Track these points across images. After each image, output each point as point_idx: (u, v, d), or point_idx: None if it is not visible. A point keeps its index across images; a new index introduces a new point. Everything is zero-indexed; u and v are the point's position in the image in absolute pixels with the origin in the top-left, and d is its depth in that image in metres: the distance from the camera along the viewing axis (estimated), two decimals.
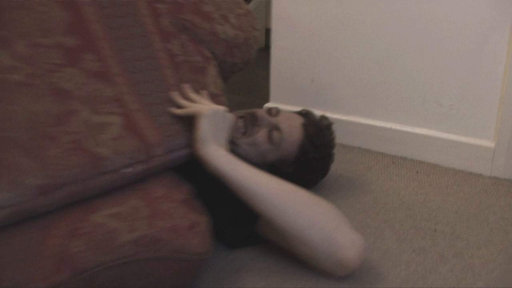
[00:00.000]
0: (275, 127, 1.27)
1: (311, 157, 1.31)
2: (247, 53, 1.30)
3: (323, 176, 1.43)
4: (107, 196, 0.90)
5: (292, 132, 1.29)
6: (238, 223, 1.08)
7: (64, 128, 0.87)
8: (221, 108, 1.05)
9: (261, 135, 1.27)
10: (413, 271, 1.06)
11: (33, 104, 0.87)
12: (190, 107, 1.03)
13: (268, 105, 1.98)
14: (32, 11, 0.96)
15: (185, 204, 0.95)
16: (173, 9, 1.17)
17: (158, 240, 0.84)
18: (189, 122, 1.03)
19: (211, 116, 1.01)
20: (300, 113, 1.39)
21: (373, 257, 1.11)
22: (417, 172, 1.59)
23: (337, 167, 1.59)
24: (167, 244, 0.85)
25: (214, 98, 1.14)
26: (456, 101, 1.60)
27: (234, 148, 1.26)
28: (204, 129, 1.00)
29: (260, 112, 1.31)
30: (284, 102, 1.92)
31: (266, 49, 2.02)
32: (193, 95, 1.08)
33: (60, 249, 0.78)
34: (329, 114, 1.77)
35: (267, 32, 2.01)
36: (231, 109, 1.21)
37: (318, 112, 1.43)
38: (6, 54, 0.89)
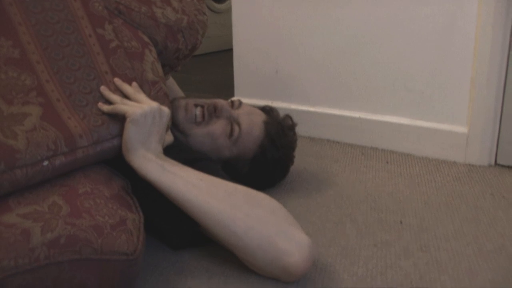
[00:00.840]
0: (236, 121, 1.18)
1: (269, 157, 1.21)
2: (192, 37, 1.20)
3: (281, 179, 1.33)
4: (24, 194, 0.80)
5: (253, 128, 1.20)
6: (181, 223, 0.98)
7: None
8: (154, 106, 0.93)
9: (218, 126, 1.17)
10: (372, 267, 0.97)
11: None
12: (119, 105, 0.93)
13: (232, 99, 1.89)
14: None
15: (113, 200, 0.86)
16: None
17: (76, 241, 0.76)
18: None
19: (139, 121, 0.91)
20: (263, 109, 1.29)
21: (330, 254, 1.01)
22: (387, 162, 1.50)
23: (302, 160, 1.49)
24: (87, 245, 0.77)
25: (153, 85, 1.05)
26: (426, 86, 1.52)
27: (185, 139, 1.16)
28: (130, 136, 0.90)
29: (221, 102, 1.21)
30: (249, 95, 1.83)
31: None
32: (126, 87, 0.98)
33: None
34: (295, 106, 1.70)
35: None
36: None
37: (284, 104, 1.34)
38: None
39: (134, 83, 1.00)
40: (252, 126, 1.20)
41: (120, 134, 0.92)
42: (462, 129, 1.47)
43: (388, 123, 1.58)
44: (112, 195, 0.86)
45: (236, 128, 1.17)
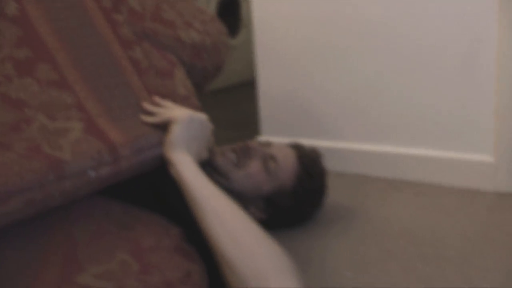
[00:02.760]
0: (270, 157, 1.23)
1: (308, 187, 1.27)
2: (216, 57, 1.28)
3: (319, 208, 1.38)
4: (92, 249, 0.84)
5: (287, 161, 1.26)
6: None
7: (19, 136, 0.82)
8: (199, 115, 1.00)
9: (255, 165, 1.22)
10: None
11: None
12: (165, 113, 0.99)
13: (259, 138, 1.93)
14: None
15: (177, 252, 0.89)
16: (131, 18, 1.14)
17: None
18: (160, 127, 0.99)
19: (186, 122, 0.97)
20: (291, 145, 1.35)
21: None
22: (418, 194, 1.53)
23: (334, 196, 1.53)
24: None
25: (185, 101, 1.11)
26: (451, 118, 1.56)
27: (226, 182, 1.20)
28: (176, 133, 0.95)
29: (253, 143, 1.27)
30: (275, 134, 1.88)
31: (253, 83, 1.98)
32: (166, 103, 1.04)
33: None
34: (322, 142, 1.75)
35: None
36: (221, 145, 1.16)
37: (311, 141, 1.39)
38: None
39: (169, 100, 1.06)
40: (286, 159, 1.26)
41: (160, 143, 0.97)
42: (489, 158, 1.51)
43: (416, 156, 1.62)
44: (175, 247, 0.89)
45: (272, 163, 1.23)
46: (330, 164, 1.55)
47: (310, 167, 1.28)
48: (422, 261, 1.15)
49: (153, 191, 1.03)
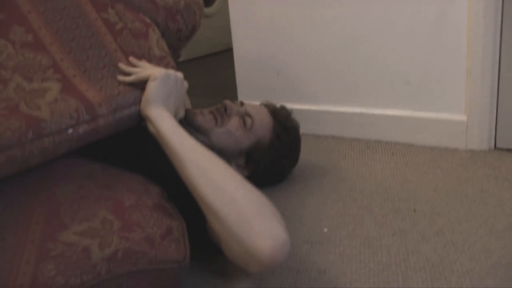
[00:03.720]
0: (246, 114, 1.28)
1: (284, 140, 1.33)
2: (190, 18, 1.30)
3: (296, 162, 1.44)
4: (74, 208, 0.85)
5: (262, 117, 1.31)
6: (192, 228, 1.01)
7: None
8: (175, 72, 1.02)
9: (233, 122, 1.26)
10: (395, 254, 1.04)
11: None
12: (141, 72, 1.01)
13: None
14: None
15: (157, 209, 0.91)
16: None
17: (132, 254, 0.81)
18: (137, 86, 1.01)
19: (162, 79, 0.99)
20: (261, 104, 1.42)
21: (354, 245, 1.08)
22: (393, 154, 1.57)
23: (311, 157, 1.57)
24: (143, 256, 0.82)
25: (160, 61, 1.13)
26: (423, 78, 1.59)
27: (207, 140, 1.22)
28: (153, 90, 0.97)
29: (229, 102, 1.31)
30: (252, 99, 1.88)
31: (231, 50, 1.98)
32: (142, 63, 1.06)
33: (32, 277, 0.73)
34: (299, 106, 1.77)
35: None
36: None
37: (287, 105, 1.42)
38: None
39: (145, 60, 1.08)
40: (261, 115, 1.32)
41: (137, 102, 0.99)
42: (461, 117, 1.55)
43: (390, 116, 1.66)
44: (155, 205, 0.91)
45: (248, 119, 1.28)
46: (306, 126, 1.59)
47: (284, 121, 1.35)
48: (396, 216, 1.19)
49: (132, 151, 1.05)
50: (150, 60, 1.10)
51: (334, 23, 1.67)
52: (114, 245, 0.80)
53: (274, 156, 1.31)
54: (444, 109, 1.58)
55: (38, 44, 0.96)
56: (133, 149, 1.05)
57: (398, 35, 1.58)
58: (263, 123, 1.31)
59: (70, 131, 0.87)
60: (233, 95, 2.01)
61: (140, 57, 1.08)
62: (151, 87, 0.98)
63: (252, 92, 1.92)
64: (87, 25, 1.05)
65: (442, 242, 1.07)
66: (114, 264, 0.79)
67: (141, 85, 1.00)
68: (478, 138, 1.53)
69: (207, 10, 3.91)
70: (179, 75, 1.04)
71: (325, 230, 1.16)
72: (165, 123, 0.95)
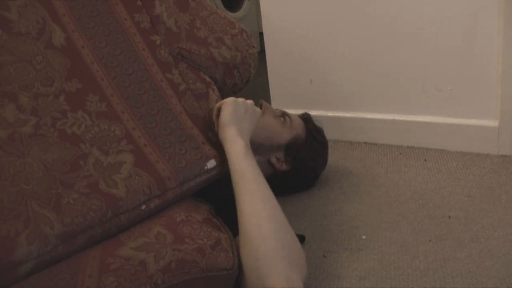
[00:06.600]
0: (283, 114, 1.39)
1: (317, 138, 1.43)
2: (246, 72, 1.35)
3: (326, 163, 1.52)
4: (131, 230, 0.93)
5: (296, 117, 1.43)
6: None
7: (77, 174, 0.90)
8: (242, 99, 1.11)
9: (269, 118, 1.35)
10: (432, 260, 1.08)
11: (44, 154, 0.90)
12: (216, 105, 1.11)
13: None
14: (30, 63, 0.99)
15: (206, 223, 0.97)
16: (168, 39, 1.20)
17: (185, 264, 0.87)
18: (196, 143, 1.06)
19: (231, 105, 1.08)
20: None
21: (391, 251, 1.13)
22: (425, 160, 1.61)
23: (345, 163, 1.61)
24: (195, 266, 0.88)
25: None
26: (455, 84, 1.62)
27: None
28: (225, 115, 1.06)
29: (264, 101, 1.40)
30: (285, 105, 1.94)
31: (261, 52, 2.04)
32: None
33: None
34: (331, 113, 1.82)
35: (261, 35, 2.03)
36: None
37: (320, 112, 1.47)
38: (12, 108, 0.92)
39: None
40: (294, 117, 1.43)
41: (202, 172, 1.04)
42: (493, 122, 1.58)
43: (422, 123, 1.69)
44: (204, 219, 0.98)
45: (287, 117, 1.39)
46: (339, 133, 1.65)
47: (314, 125, 1.46)
48: (431, 222, 1.23)
49: None
50: (209, 120, 1.14)
51: (366, 30, 1.72)
52: (168, 257, 0.86)
53: (309, 152, 1.40)
54: (476, 114, 1.61)
55: (111, 113, 1.01)
56: None
57: (429, 42, 1.61)
58: (299, 121, 1.42)
59: (143, 207, 0.94)
60: (266, 100, 2.06)
61: (202, 118, 1.13)
62: (223, 113, 1.07)
63: (285, 99, 1.98)
64: (154, 88, 1.09)
65: (478, 249, 1.11)
66: (168, 275, 0.84)
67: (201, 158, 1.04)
68: (510, 143, 1.56)
69: (234, 15, 3.97)
70: (249, 102, 1.12)
71: (363, 237, 1.21)
72: (233, 147, 1.03)
